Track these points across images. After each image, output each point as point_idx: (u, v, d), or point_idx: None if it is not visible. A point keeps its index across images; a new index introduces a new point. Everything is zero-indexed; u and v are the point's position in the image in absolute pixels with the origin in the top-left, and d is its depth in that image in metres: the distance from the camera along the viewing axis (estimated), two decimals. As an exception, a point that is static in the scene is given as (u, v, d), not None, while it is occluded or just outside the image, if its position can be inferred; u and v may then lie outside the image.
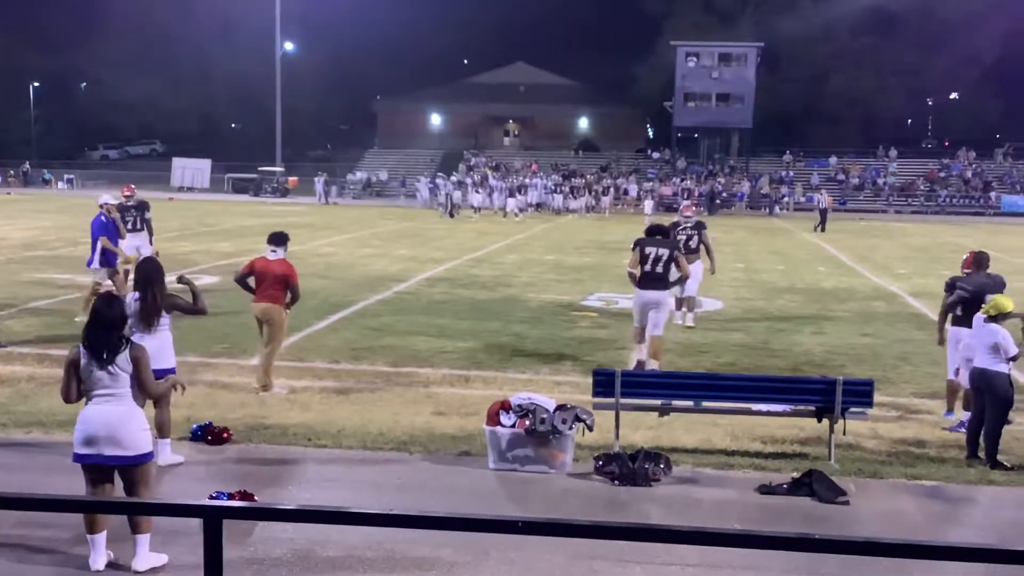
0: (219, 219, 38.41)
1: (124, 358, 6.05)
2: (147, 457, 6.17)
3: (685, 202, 47.12)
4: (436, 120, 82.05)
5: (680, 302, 15.02)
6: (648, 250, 11.72)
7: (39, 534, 6.50)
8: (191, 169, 66.07)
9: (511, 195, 47.97)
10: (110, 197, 15.89)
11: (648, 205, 48.59)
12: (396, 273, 21.19)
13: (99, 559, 6.13)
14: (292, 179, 62.86)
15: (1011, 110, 75.00)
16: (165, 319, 8.10)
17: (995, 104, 75.48)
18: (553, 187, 52.17)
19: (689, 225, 15.35)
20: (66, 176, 65.89)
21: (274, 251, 10.70)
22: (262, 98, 69.50)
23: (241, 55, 73.97)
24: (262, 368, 10.70)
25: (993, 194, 58.41)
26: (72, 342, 12.42)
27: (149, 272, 8.03)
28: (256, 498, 7.08)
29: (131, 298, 8.05)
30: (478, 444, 8.59)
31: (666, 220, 15.76)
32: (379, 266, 22.68)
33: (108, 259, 14.85)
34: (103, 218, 14.94)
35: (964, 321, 9.75)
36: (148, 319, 7.97)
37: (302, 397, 10.33)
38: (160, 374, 7.95)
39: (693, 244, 15.19)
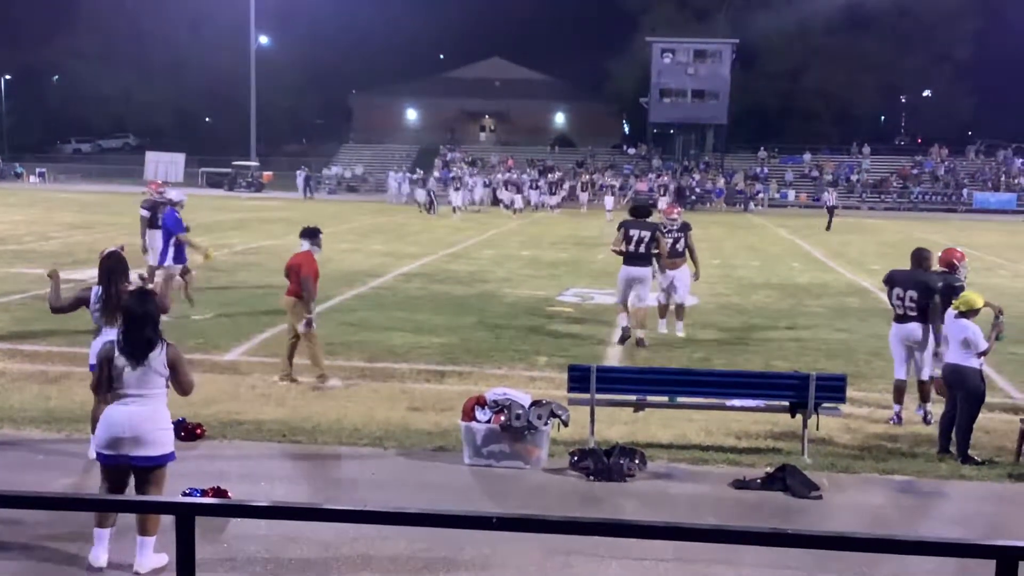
0: (193, 213, 38.00)
1: (160, 359, 5.96)
2: (170, 457, 6.11)
3: (663, 201, 47.31)
4: (412, 115, 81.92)
5: (664, 309, 14.34)
6: (632, 232, 13.14)
7: (12, 531, 6.44)
8: (164, 163, 65.60)
9: (518, 190, 47.67)
10: (179, 193, 15.88)
11: (609, 201, 45.36)
12: (372, 268, 21.13)
13: (101, 555, 6.06)
14: (267, 174, 62.59)
15: (983, 108, 75.94)
16: None
17: (967, 102, 76.30)
18: (530, 183, 52.13)
19: (675, 228, 14.15)
20: (38, 170, 65.31)
21: (301, 244, 10.85)
22: (236, 92, 69.05)
23: (215, 48, 73.46)
24: (312, 360, 10.72)
25: (965, 191, 58.98)
26: (44, 337, 12.37)
27: (112, 266, 7.94)
28: (230, 495, 7.04)
29: (94, 292, 7.98)
30: (453, 440, 8.58)
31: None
32: (355, 261, 22.60)
33: (180, 255, 14.81)
34: (176, 214, 14.90)
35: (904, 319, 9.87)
36: (112, 313, 7.89)
37: (276, 392, 10.29)
38: None
39: (679, 247, 14.08)
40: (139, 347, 5.94)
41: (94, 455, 6.31)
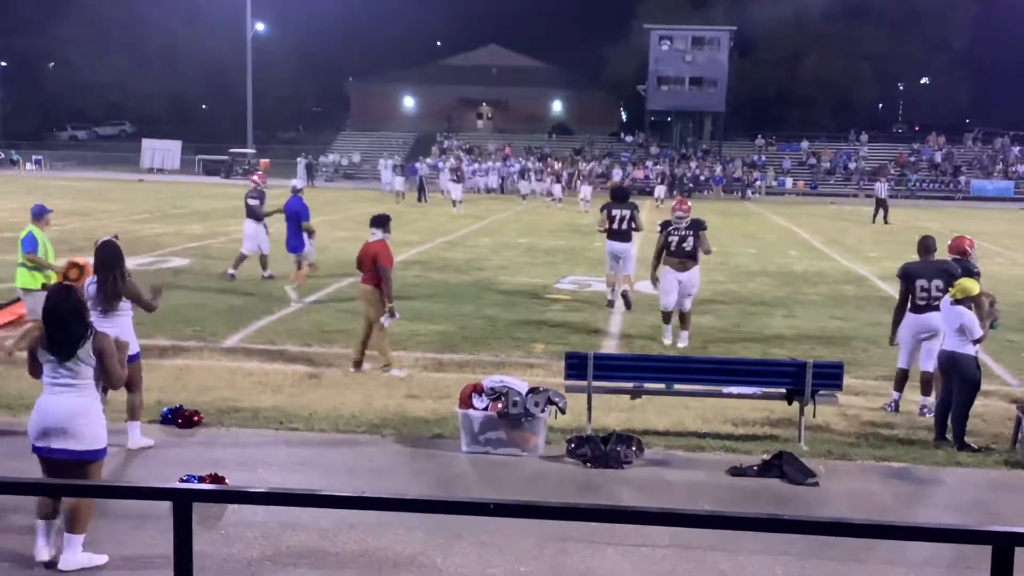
0: (190, 201, 38.10)
1: (86, 350, 5.80)
2: (99, 454, 5.91)
3: (659, 189, 46.77)
4: (409, 103, 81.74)
5: (668, 316, 12.82)
6: (614, 212, 14.78)
7: (10, 517, 6.44)
8: (161, 151, 65.42)
9: (558, 179, 46.84)
10: (301, 181, 16.88)
11: (586, 191, 41.76)
12: (369, 256, 21.09)
13: (43, 549, 5.95)
14: (264, 161, 62.42)
15: (980, 95, 75.98)
16: (125, 304, 8.01)
17: (965, 89, 76.27)
18: (528, 170, 51.92)
19: (682, 226, 12.60)
20: (34, 157, 65.08)
21: (373, 233, 10.86)
22: (233, 79, 68.82)
23: (211, 36, 73.22)
24: (378, 350, 10.71)
25: (962, 178, 58.98)
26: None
27: (108, 256, 7.93)
28: (227, 481, 7.05)
29: (88, 282, 7.97)
30: (451, 427, 8.59)
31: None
32: (352, 249, 22.48)
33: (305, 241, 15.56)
34: (303, 201, 15.71)
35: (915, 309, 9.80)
36: (107, 303, 7.88)
37: (274, 380, 10.29)
38: None
39: (688, 247, 12.57)
40: (62, 346, 5.79)
41: None
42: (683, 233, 12.67)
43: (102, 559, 5.94)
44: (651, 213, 37.78)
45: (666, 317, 12.86)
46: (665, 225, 12.84)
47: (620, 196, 15.22)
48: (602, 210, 15.01)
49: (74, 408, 5.82)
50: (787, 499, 7.37)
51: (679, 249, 12.64)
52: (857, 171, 61.44)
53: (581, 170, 53.13)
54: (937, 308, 9.59)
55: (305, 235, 15.47)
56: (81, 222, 27.41)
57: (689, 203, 13.37)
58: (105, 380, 5.99)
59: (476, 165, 54.41)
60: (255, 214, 17.39)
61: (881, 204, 36.76)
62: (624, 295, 14.85)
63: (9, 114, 78.26)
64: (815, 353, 11.96)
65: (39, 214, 11.06)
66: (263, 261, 17.38)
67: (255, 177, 18.56)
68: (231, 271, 17.05)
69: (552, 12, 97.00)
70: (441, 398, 9.65)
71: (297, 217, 15.44)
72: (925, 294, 9.72)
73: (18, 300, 11.44)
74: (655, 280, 12.96)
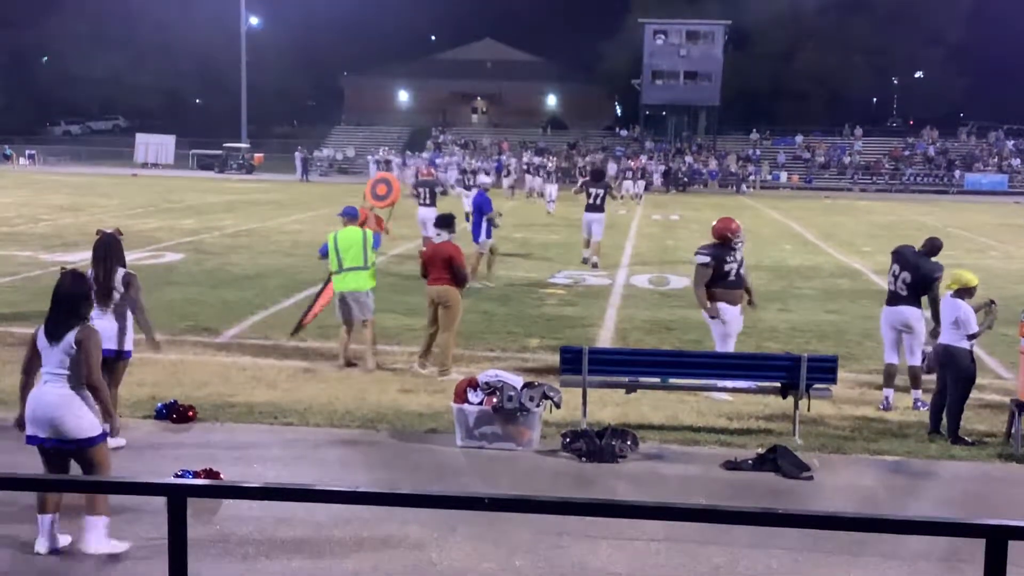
0: (183, 196, 38.01)
1: (70, 339, 5.87)
2: (90, 442, 5.93)
3: (628, 184, 44.50)
4: (404, 97, 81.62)
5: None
6: (592, 190, 19.48)
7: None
8: (155, 145, 65.22)
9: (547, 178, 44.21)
10: (485, 178, 20.41)
11: (551, 191, 35.47)
12: (363, 250, 21.08)
13: (43, 542, 5.98)
14: (258, 156, 62.29)
15: (974, 89, 75.96)
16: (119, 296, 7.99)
17: (959, 83, 76.32)
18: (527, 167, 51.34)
19: (739, 249, 10.04)
20: (28, 152, 64.88)
21: (439, 234, 10.90)
22: (227, 74, 68.66)
23: (205, 29, 72.99)
24: (443, 352, 10.61)
25: (957, 172, 59.02)
26: (35, 319, 12.26)
27: (108, 249, 7.92)
28: (222, 476, 7.04)
29: (89, 274, 7.96)
30: (445, 421, 8.59)
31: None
32: (346, 243, 22.49)
33: (488, 232, 16.90)
34: (486, 195, 17.42)
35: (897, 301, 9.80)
36: (102, 297, 7.86)
37: (268, 375, 10.28)
38: (114, 354, 7.89)
39: (744, 273, 10.12)
40: (58, 327, 5.90)
41: None
42: (741, 258, 10.05)
43: (124, 546, 6.01)
44: (632, 211, 37.76)
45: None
46: (714, 249, 9.94)
47: (596, 177, 20.33)
48: (581, 187, 20.09)
49: (58, 399, 5.87)
50: (781, 493, 7.38)
51: (738, 278, 9.97)
52: (852, 165, 61.47)
53: (548, 165, 51.00)
54: (905, 300, 9.65)
55: (487, 224, 16.75)
56: (74, 217, 27.35)
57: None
58: (79, 371, 5.92)
59: (447, 159, 53.97)
60: (435, 202, 19.51)
61: None
62: (594, 265, 18.97)
63: (2, 109, 77.88)
64: (809, 347, 11.97)
65: (353, 215, 11.31)
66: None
67: (422, 172, 22.81)
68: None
69: (547, 6, 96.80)
70: (436, 392, 9.65)
71: (481, 209, 16.86)
72: (893, 279, 9.81)
73: (329, 283, 11.53)
74: (716, 312, 9.92)
